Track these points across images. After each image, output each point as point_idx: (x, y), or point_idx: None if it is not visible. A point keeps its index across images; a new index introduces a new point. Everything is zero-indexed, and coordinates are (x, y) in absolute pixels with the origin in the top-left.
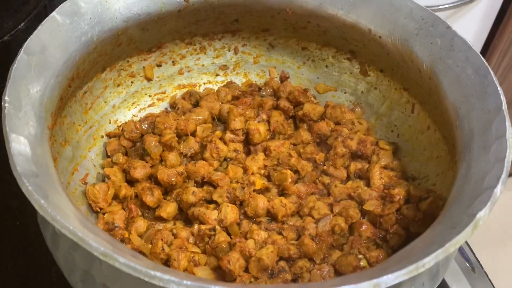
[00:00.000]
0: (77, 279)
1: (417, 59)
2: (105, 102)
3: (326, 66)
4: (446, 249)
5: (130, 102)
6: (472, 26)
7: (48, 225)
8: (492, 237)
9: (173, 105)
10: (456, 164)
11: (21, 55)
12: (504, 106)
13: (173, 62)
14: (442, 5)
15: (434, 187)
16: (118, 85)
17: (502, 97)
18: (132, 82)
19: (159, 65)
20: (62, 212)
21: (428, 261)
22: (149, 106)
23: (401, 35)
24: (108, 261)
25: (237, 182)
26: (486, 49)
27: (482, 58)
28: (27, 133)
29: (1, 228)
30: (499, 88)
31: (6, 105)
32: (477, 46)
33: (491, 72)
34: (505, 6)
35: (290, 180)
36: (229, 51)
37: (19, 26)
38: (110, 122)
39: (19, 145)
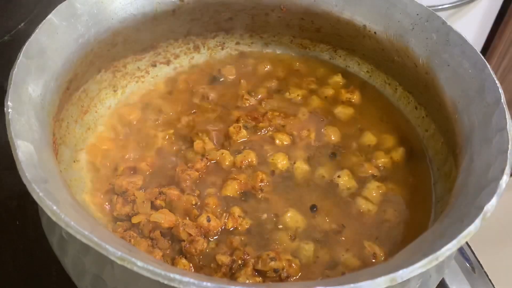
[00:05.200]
0: (87, 284)
1: (413, 54)
2: (100, 103)
3: (321, 62)
4: (458, 242)
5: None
6: (472, 26)
7: (54, 230)
8: (492, 237)
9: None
10: (457, 157)
11: (21, 59)
12: (503, 98)
13: (167, 61)
14: (442, 5)
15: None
16: (113, 86)
17: (501, 90)
18: (126, 84)
19: (153, 65)
20: (74, 217)
21: (441, 254)
22: None
23: (396, 30)
24: (126, 265)
25: None
26: (486, 49)
27: (478, 52)
28: (31, 138)
29: (1, 228)
30: (497, 81)
31: (10, 110)
32: (477, 46)
33: (488, 66)
34: (505, 6)
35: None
36: (222, 49)
37: (19, 26)
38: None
39: (26, 151)
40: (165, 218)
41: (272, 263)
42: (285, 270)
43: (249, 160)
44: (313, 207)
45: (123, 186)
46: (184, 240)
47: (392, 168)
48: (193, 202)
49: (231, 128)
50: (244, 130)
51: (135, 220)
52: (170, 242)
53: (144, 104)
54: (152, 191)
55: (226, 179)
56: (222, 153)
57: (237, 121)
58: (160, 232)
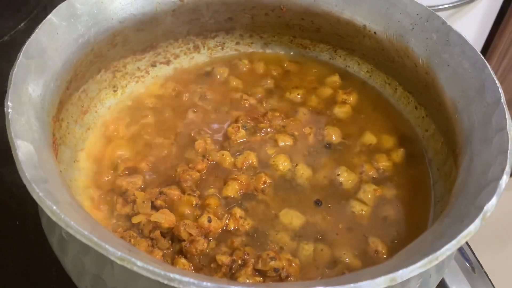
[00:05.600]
0: (87, 284)
1: (413, 54)
2: (100, 103)
3: (321, 62)
4: (458, 242)
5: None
6: (472, 26)
7: (54, 230)
8: (492, 237)
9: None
10: (457, 157)
11: (21, 59)
12: (503, 98)
13: (167, 61)
14: (442, 5)
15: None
16: (113, 86)
17: (500, 90)
18: (126, 84)
19: (153, 65)
20: (74, 217)
21: (441, 254)
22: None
23: (396, 30)
24: (126, 265)
25: None
26: (486, 49)
27: (478, 52)
28: (31, 138)
29: (1, 228)
30: (497, 81)
31: (10, 110)
32: (477, 46)
33: (488, 66)
34: (505, 6)
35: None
36: (222, 49)
37: (19, 26)
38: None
39: (26, 151)
40: (165, 218)
41: (272, 262)
42: (285, 269)
43: (250, 161)
44: (318, 202)
45: (123, 186)
46: (184, 240)
47: (392, 168)
48: (194, 202)
49: (230, 129)
50: (243, 130)
51: (135, 220)
52: (170, 242)
53: (144, 104)
54: (152, 191)
55: (227, 179)
56: (223, 154)
57: (236, 121)
58: (160, 232)
